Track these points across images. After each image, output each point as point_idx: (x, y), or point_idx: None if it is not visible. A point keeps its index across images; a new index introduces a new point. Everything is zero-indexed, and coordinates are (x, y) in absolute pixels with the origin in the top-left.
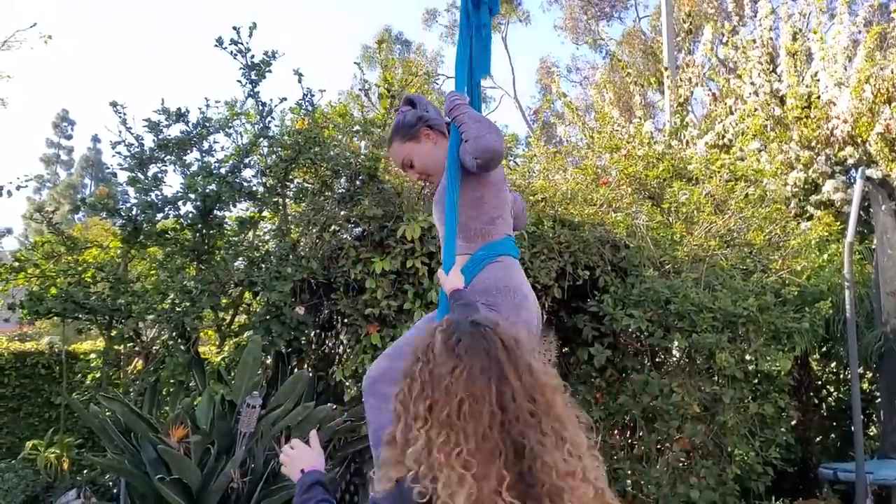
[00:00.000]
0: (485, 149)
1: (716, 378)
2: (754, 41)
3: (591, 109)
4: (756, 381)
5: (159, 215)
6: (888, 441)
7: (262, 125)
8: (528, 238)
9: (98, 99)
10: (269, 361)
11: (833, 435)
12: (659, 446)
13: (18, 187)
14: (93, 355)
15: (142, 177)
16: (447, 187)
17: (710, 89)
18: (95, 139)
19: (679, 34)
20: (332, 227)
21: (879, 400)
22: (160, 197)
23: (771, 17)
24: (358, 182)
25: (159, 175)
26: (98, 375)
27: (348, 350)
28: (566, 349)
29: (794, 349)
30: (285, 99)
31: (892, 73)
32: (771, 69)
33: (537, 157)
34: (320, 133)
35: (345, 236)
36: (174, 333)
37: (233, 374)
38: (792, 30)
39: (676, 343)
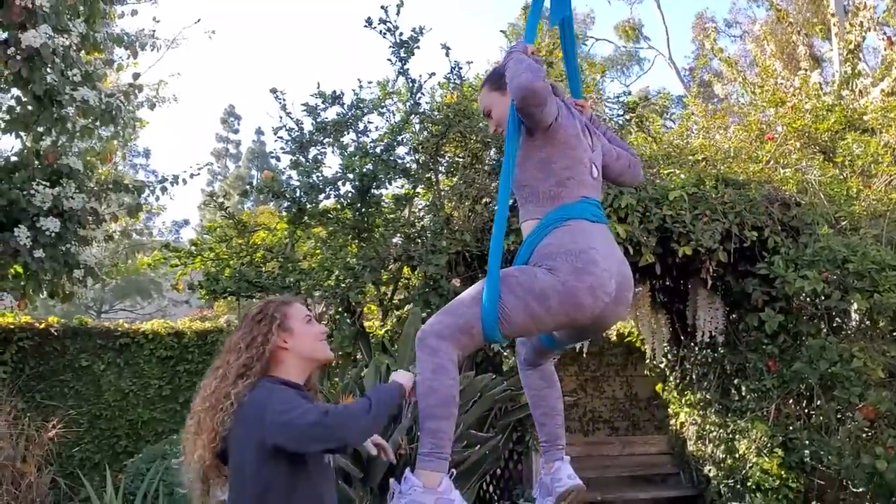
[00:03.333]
0: (518, 87)
1: None
2: None
3: (752, 65)
4: None
5: (321, 196)
6: None
7: (412, 102)
8: (688, 199)
9: (260, 92)
10: None
11: None
12: (839, 415)
13: (192, 175)
14: None
15: (303, 160)
16: (505, 147)
17: (884, 33)
18: (259, 132)
19: None
20: (484, 200)
21: None
22: (321, 178)
23: None
24: None
25: (319, 157)
26: None
27: None
28: (734, 315)
29: None
30: (434, 74)
31: None
32: None
33: (695, 117)
34: (469, 106)
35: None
36: (340, 308)
37: (396, 345)
38: None
39: (855, 305)
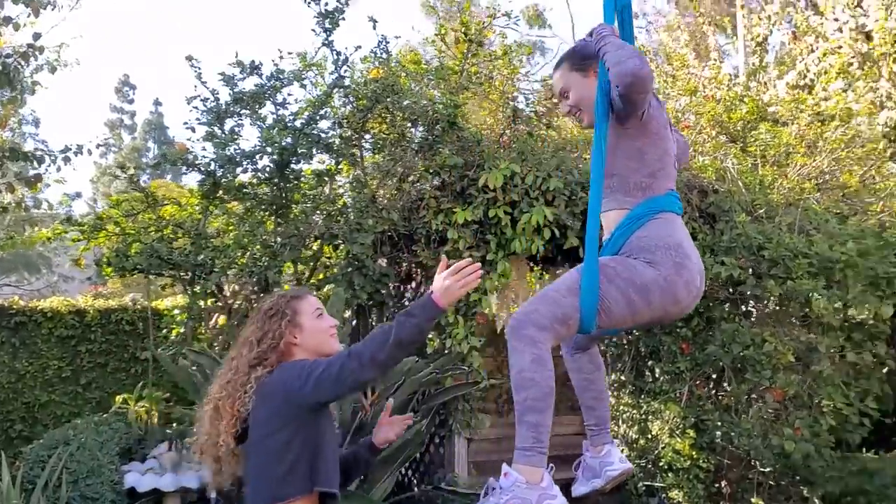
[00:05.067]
0: (624, 73)
1: (809, 326)
2: None
3: (659, 55)
4: (851, 328)
5: (238, 170)
6: None
7: (337, 75)
8: None
9: (158, 62)
10: (347, 315)
11: None
12: (749, 397)
13: (98, 146)
14: (176, 311)
15: (219, 131)
16: (595, 134)
17: (789, 28)
18: (157, 103)
19: None
20: (411, 178)
21: None
22: (238, 151)
23: None
24: (437, 130)
25: (236, 129)
26: (182, 331)
27: None
28: None
29: (894, 295)
30: (360, 47)
31: None
32: (856, 3)
33: None
34: (396, 81)
35: (424, 186)
36: (255, 288)
37: None
38: None
39: (768, 291)
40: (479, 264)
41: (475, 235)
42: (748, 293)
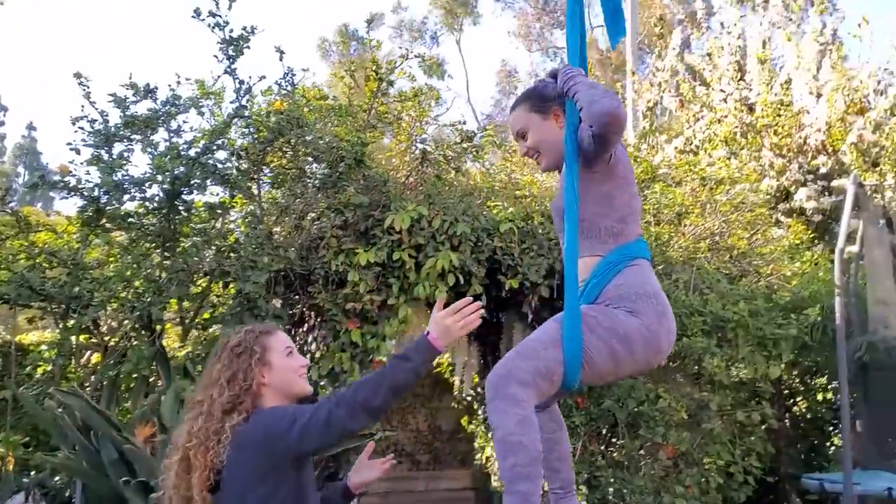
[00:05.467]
0: (601, 112)
1: (700, 384)
2: (723, 48)
3: None
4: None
5: (125, 197)
6: (868, 452)
7: (238, 104)
8: (517, 233)
9: (34, 83)
10: None
11: (799, 445)
12: (642, 452)
13: None
14: (43, 347)
15: (106, 155)
16: (565, 178)
17: (678, 94)
18: (31, 127)
19: (645, 38)
20: (311, 216)
21: (854, 411)
22: (126, 177)
23: (739, 25)
24: (341, 167)
25: (125, 154)
26: (50, 368)
27: (323, 348)
28: None
29: (780, 356)
30: (265, 77)
31: (861, 83)
32: (739, 77)
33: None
34: (301, 114)
35: (325, 225)
36: (136, 325)
37: (199, 368)
38: (762, 37)
39: None
40: (480, 303)
41: (377, 278)
42: None
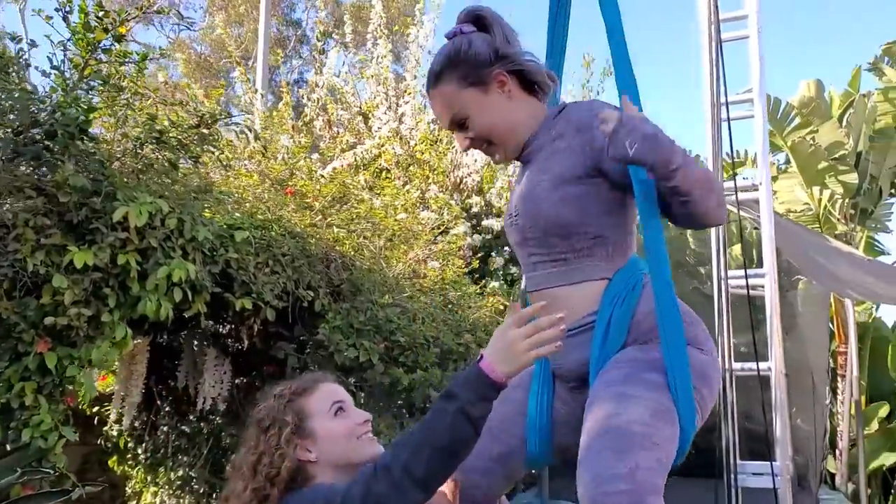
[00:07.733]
0: (714, 222)
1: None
2: (373, 76)
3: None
4: None
5: None
6: None
7: None
8: (254, 245)
9: None
10: None
11: None
12: None
13: None
14: None
15: None
16: (647, 233)
17: (326, 115)
18: None
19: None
20: None
21: None
22: None
23: (389, 57)
24: (59, 137)
25: None
26: None
27: None
28: (242, 380)
29: None
30: None
31: None
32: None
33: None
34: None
35: (19, 207)
36: None
37: None
38: (414, 71)
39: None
40: (562, 315)
41: (89, 287)
42: (376, 381)
